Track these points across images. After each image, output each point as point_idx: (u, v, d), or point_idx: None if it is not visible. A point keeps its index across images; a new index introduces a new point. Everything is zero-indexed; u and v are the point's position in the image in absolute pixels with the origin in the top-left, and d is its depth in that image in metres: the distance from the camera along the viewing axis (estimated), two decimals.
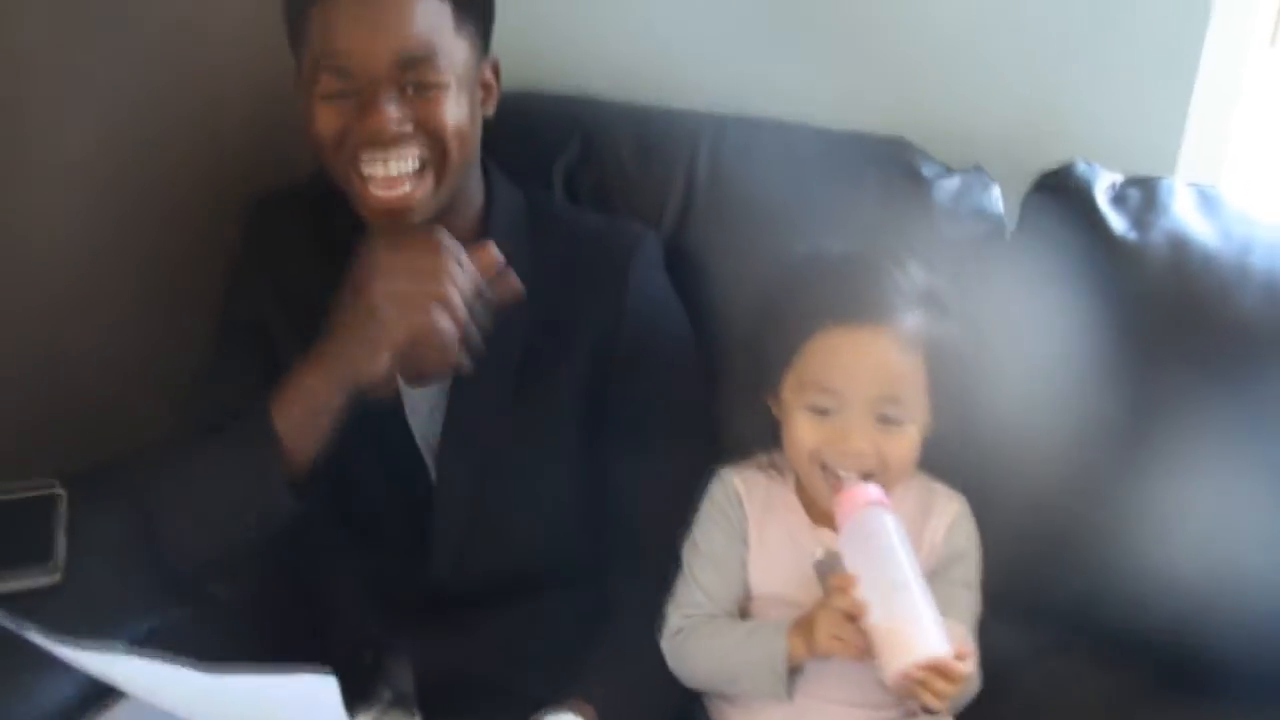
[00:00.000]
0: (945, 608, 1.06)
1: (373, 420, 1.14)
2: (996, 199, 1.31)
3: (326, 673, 0.87)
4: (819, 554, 1.15)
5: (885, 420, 1.09)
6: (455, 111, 1.10)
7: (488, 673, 1.19)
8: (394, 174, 1.09)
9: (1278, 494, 1.14)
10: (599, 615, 1.20)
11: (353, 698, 1.02)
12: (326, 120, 1.09)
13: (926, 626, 1.01)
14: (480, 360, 1.10)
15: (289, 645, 1.08)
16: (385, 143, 1.08)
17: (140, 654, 0.90)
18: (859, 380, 1.09)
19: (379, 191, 1.10)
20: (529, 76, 1.38)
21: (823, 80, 1.40)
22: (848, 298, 1.11)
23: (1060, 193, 1.26)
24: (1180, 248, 1.18)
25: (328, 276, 1.12)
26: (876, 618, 1.02)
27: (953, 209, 1.29)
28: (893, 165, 1.31)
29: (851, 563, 1.06)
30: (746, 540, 1.18)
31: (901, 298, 1.11)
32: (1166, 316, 1.16)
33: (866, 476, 1.09)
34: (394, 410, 1.19)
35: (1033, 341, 1.19)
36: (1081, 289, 1.20)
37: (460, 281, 1.06)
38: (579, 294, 1.19)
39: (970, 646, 1.07)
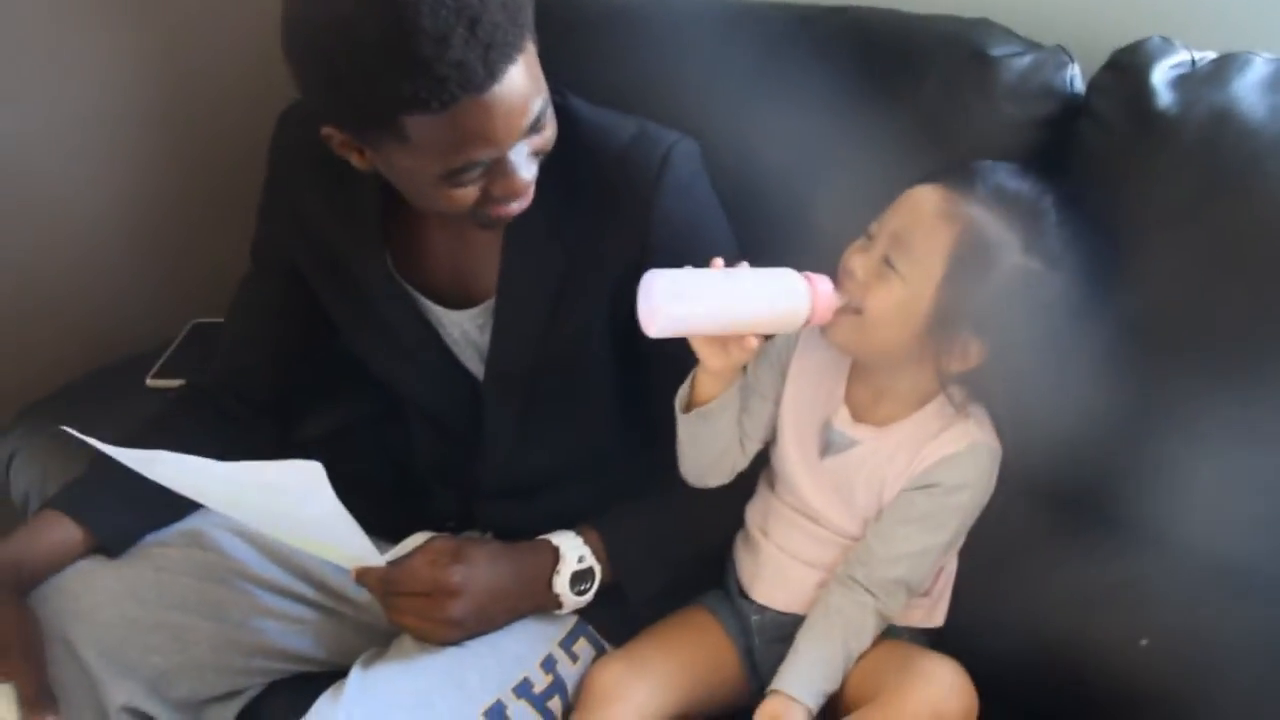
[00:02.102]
0: (896, 511, 1.17)
1: (412, 343, 1.28)
2: (1071, 78, 1.27)
3: (313, 460, 1.02)
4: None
5: (886, 263, 1.12)
6: (553, 115, 1.12)
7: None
8: (530, 196, 1.13)
9: None
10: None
11: None
12: (463, 198, 1.09)
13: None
14: (522, 285, 1.22)
15: (387, 516, 1.28)
16: (526, 190, 1.12)
17: (175, 453, 1.09)
18: (892, 214, 1.14)
19: (514, 211, 1.13)
20: None
21: None
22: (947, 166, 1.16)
23: (1122, 70, 1.21)
24: (1220, 122, 1.12)
25: (339, 200, 1.21)
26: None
27: (1018, 87, 1.26)
28: (962, 45, 1.29)
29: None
30: (786, 374, 1.25)
31: (982, 179, 1.13)
32: (1192, 193, 1.11)
33: (848, 310, 1.12)
34: (433, 334, 1.29)
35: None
36: (1122, 165, 1.17)
37: None
38: (606, 220, 1.19)
39: None
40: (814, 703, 1.14)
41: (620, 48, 1.43)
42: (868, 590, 1.18)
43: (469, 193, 1.09)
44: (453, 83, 1.00)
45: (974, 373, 1.15)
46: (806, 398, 1.24)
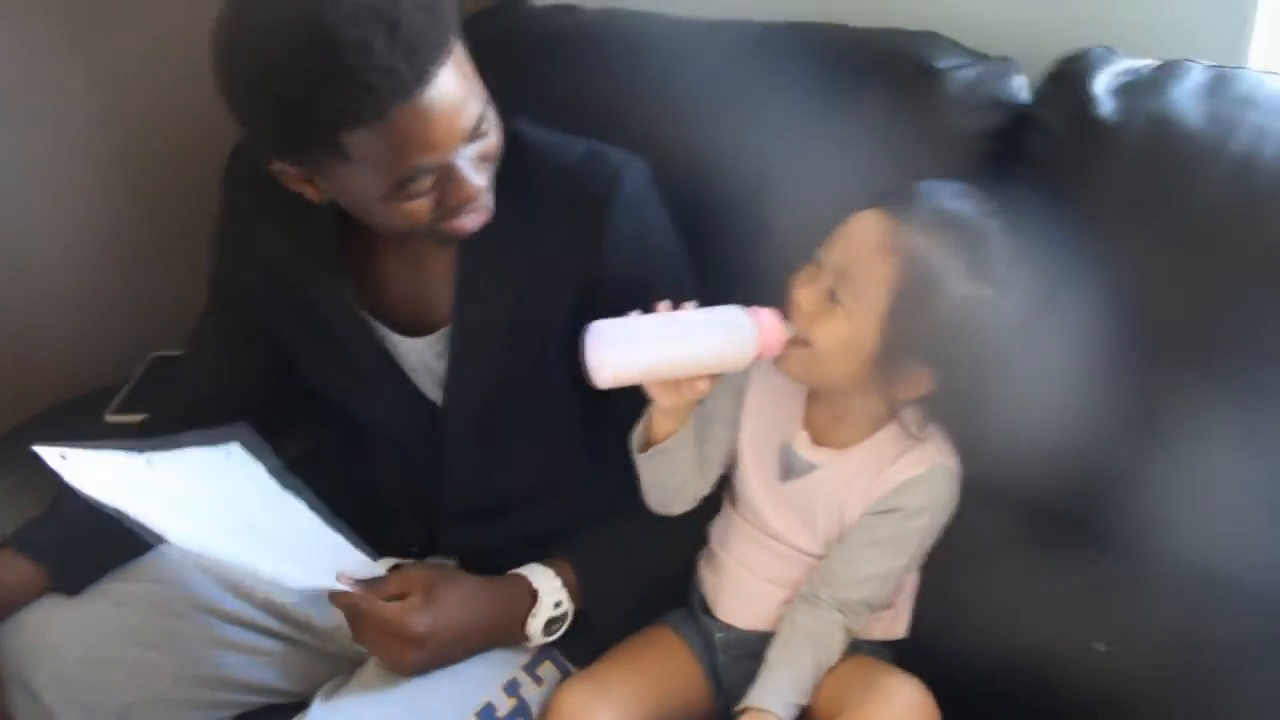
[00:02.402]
0: (858, 535, 1.17)
1: (372, 371, 1.28)
2: (1018, 89, 1.28)
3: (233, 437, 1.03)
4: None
5: (832, 297, 1.11)
6: (498, 122, 1.12)
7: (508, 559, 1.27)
8: (487, 206, 1.14)
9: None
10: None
11: None
12: (417, 211, 1.09)
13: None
14: (477, 310, 1.22)
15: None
16: (479, 196, 1.11)
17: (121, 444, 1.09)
18: (835, 244, 1.13)
19: (473, 224, 1.14)
20: None
21: None
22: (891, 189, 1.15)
23: (1065, 79, 1.22)
24: (1158, 130, 1.13)
25: (295, 232, 1.22)
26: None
27: (966, 99, 1.27)
28: (909, 58, 1.30)
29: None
30: (743, 398, 1.25)
31: (923, 204, 1.12)
32: (1135, 198, 1.13)
33: (797, 342, 1.11)
34: (391, 362, 1.29)
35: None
36: (1067, 173, 1.18)
37: None
38: (560, 240, 1.20)
39: None
40: (788, 715, 1.14)
41: (574, 66, 1.45)
42: (833, 608, 1.18)
43: (422, 206, 1.09)
44: (381, 90, 1.00)
45: (928, 397, 1.15)
46: (765, 422, 1.24)
